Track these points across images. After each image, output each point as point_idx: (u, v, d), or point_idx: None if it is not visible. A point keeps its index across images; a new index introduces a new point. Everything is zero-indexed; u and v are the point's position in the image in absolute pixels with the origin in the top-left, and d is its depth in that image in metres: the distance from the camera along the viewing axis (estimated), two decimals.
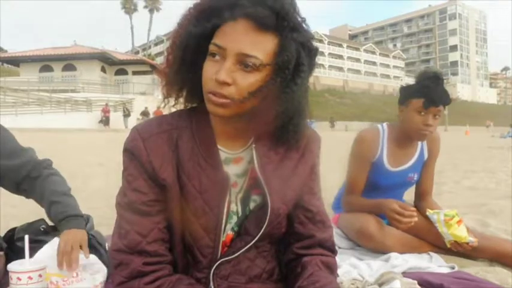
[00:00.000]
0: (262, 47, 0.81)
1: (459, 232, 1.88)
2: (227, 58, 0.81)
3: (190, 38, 0.86)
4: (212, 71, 0.82)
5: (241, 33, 0.81)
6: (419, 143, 2.16)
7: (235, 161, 0.97)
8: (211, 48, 0.83)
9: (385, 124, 2.18)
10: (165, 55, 0.93)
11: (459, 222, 1.90)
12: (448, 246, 1.94)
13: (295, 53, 0.83)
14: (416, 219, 1.90)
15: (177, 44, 0.88)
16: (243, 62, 0.81)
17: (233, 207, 0.96)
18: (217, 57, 0.83)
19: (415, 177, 2.17)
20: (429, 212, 2.01)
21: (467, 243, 1.88)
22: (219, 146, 0.94)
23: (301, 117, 0.92)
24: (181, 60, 0.88)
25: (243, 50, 0.80)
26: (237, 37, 0.81)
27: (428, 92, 1.93)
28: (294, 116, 0.90)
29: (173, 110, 0.98)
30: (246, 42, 0.81)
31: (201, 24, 0.84)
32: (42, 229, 1.61)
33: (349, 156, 2.17)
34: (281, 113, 0.87)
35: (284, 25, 0.82)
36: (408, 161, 2.14)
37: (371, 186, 2.15)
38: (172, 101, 0.95)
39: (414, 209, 1.95)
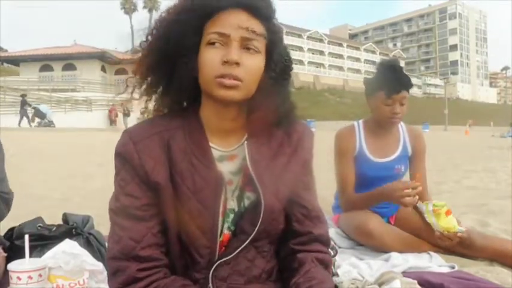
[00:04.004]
0: (258, 31, 0.88)
1: (448, 222, 1.88)
2: (231, 43, 0.86)
3: (177, 37, 0.88)
4: (217, 56, 0.86)
5: (240, 20, 0.87)
6: (401, 136, 2.24)
7: (230, 158, 0.96)
8: (211, 37, 0.87)
9: (360, 120, 2.29)
10: (140, 60, 0.93)
11: (448, 212, 1.90)
12: (437, 237, 1.92)
13: (283, 40, 0.92)
14: (420, 188, 1.92)
15: (159, 45, 0.90)
16: (246, 46, 0.87)
17: (231, 204, 0.96)
18: (217, 45, 0.87)
19: (402, 168, 2.22)
20: (419, 204, 2.03)
21: (456, 233, 1.86)
22: (212, 144, 0.94)
23: (291, 110, 0.97)
24: (165, 61, 0.90)
25: (245, 34, 0.86)
26: (238, 23, 0.86)
27: (388, 82, 2.05)
28: (286, 109, 0.94)
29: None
30: (246, 27, 0.86)
31: (189, 21, 0.87)
32: (38, 228, 1.61)
33: (334, 156, 2.23)
34: (277, 104, 0.91)
35: (270, 13, 0.91)
36: (392, 153, 2.20)
37: (361, 179, 2.20)
38: (152, 104, 0.97)
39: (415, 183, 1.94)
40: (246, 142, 0.95)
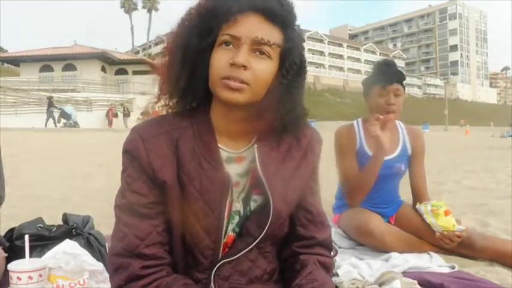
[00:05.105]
0: (273, 36, 0.87)
1: (447, 222, 1.90)
2: (242, 46, 0.85)
3: (195, 37, 0.87)
4: (226, 58, 0.85)
5: (254, 23, 0.86)
6: (401, 136, 2.25)
7: (238, 160, 0.96)
8: (224, 38, 0.86)
9: (359, 119, 2.32)
10: (162, 57, 0.94)
11: (446, 212, 1.93)
12: (438, 238, 1.94)
13: (300, 48, 0.90)
14: (382, 117, 2.05)
15: (179, 44, 0.89)
16: (258, 49, 0.86)
17: (236, 206, 0.96)
18: (230, 46, 0.86)
19: (403, 167, 2.23)
20: (418, 205, 2.08)
21: (455, 233, 1.88)
22: (220, 146, 0.94)
23: (302, 114, 0.95)
24: (184, 60, 0.89)
25: (256, 38, 0.85)
26: (251, 26, 0.86)
27: (382, 75, 2.17)
28: (296, 115, 0.93)
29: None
30: (259, 31, 0.86)
31: (207, 22, 0.87)
32: (38, 228, 1.61)
33: (335, 153, 2.24)
34: (286, 111, 0.90)
35: (289, 20, 0.88)
36: (393, 152, 2.20)
37: None
38: (172, 102, 0.96)
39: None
40: (256, 145, 0.95)
